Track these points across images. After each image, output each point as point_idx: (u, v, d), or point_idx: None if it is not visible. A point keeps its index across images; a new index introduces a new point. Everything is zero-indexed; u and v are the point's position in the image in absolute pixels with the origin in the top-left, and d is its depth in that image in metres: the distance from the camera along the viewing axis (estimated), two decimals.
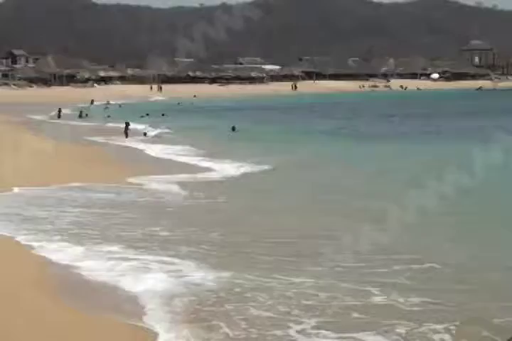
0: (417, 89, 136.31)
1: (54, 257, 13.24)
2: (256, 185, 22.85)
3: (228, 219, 16.90)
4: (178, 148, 35.07)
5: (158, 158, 31.40)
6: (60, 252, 13.58)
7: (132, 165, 27.68)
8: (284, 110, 72.07)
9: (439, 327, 9.60)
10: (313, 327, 9.65)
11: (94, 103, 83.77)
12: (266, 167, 26.65)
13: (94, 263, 12.74)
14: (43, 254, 13.49)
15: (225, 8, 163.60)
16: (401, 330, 9.51)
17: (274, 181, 23.83)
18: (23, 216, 17.04)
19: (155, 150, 34.35)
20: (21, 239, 14.66)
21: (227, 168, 26.63)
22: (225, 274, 11.97)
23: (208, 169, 26.52)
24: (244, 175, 25.22)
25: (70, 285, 11.76)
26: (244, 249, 13.86)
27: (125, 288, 11.35)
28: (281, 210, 18.05)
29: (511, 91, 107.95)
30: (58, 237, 14.73)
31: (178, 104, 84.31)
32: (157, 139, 41.17)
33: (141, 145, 37.11)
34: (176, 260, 12.90)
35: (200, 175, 24.84)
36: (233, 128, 44.56)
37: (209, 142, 37.34)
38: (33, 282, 11.63)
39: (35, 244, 14.21)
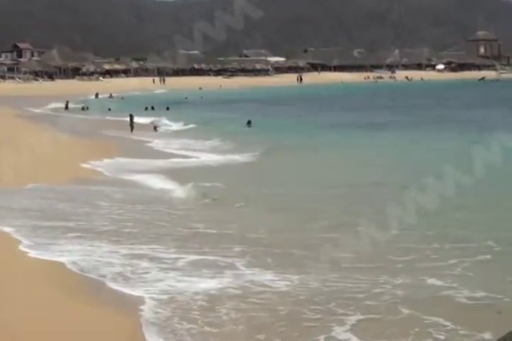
0: (421, 79, 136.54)
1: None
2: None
3: None
4: (199, 143, 34.31)
5: (183, 155, 30.25)
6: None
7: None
8: (292, 102, 71.57)
9: None
10: None
11: (99, 96, 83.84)
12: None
13: None
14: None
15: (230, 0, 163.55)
16: None
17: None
18: None
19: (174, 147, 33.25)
20: None
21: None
22: None
23: None
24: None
25: None
26: None
27: None
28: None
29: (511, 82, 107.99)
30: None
31: (186, 98, 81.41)
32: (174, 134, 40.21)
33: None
34: None
35: None
36: (248, 122, 43.26)
37: (229, 136, 35.56)
38: None
39: None
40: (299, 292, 10.70)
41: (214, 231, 14.72)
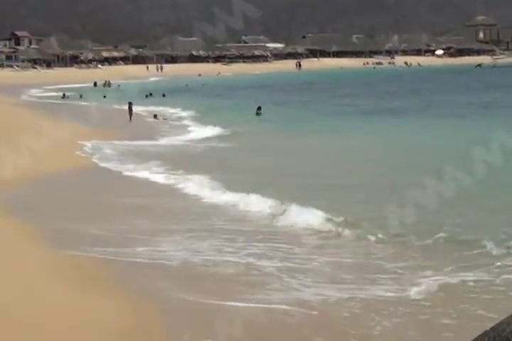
0: (418, 65, 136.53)
1: None
2: None
3: None
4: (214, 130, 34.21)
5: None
6: None
7: None
8: (295, 89, 71.52)
9: None
10: None
11: (98, 85, 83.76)
12: None
13: None
14: None
15: None
16: None
17: None
18: None
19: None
20: None
21: None
22: None
23: None
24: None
25: None
26: None
27: None
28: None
29: (509, 67, 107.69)
30: None
31: (186, 85, 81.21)
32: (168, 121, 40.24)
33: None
34: None
35: None
36: (258, 109, 42.35)
37: (241, 125, 35.76)
38: None
39: None
40: None
41: None
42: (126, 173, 21.53)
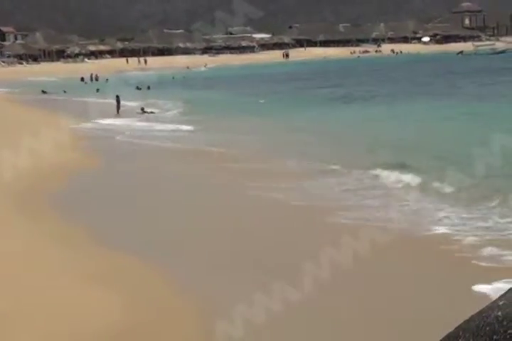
0: (400, 52, 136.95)
1: None
2: None
3: None
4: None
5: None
6: None
7: None
8: (283, 78, 71.95)
9: None
10: None
11: (85, 79, 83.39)
12: None
13: None
14: None
15: None
16: None
17: None
18: None
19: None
20: None
21: None
22: None
23: None
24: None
25: None
26: None
27: None
28: None
29: (488, 56, 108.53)
30: None
31: (173, 78, 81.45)
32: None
33: None
34: None
35: None
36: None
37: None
38: None
39: None
40: None
41: None
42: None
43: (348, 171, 19.19)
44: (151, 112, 41.17)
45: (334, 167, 19.74)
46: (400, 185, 17.00)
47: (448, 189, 15.94)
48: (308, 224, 13.99)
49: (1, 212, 15.46)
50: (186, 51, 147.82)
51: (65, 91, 61.40)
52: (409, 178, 17.34)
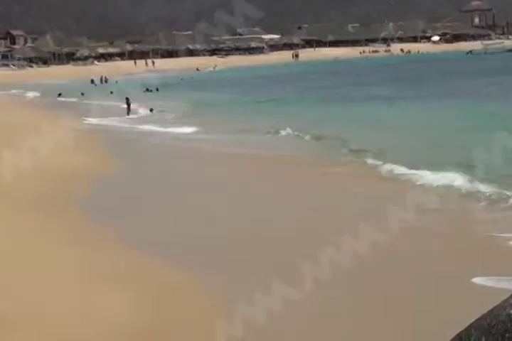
0: (409, 52, 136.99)
1: None
2: None
3: None
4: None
5: None
6: None
7: None
8: (298, 79, 71.82)
9: None
10: None
11: (95, 81, 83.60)
12: None
13: None
14: None
15: None
16: None
17: None
18: None
19: None
20: None
21: None
22: None
23: None
24: None
25: None
26: None
27: None
28: None
29: (498, 54, 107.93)
30: None
31: (181, 79, 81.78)
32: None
33: None
34: None
35: None
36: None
37: None
38: None
39: None
40: None
41: None
42: None
43: None
44: (162, 111, 41.96)
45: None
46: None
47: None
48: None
49: (29, 214, 15.44)
50: (195, 53, 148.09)
51: (82, 94, 61.34)
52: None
